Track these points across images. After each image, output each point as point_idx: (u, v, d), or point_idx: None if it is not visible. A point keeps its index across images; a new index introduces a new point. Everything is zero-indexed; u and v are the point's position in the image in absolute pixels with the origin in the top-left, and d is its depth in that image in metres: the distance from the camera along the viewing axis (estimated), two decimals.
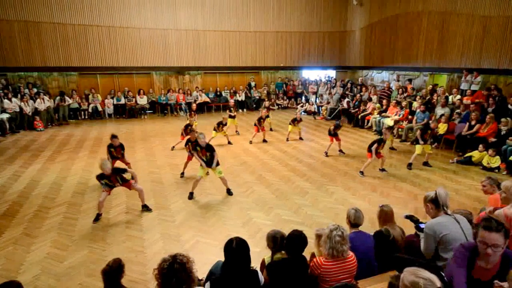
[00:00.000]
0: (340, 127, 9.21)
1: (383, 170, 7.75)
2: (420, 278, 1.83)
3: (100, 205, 5.47)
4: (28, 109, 12.34)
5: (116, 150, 7.00)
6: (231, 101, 11.17)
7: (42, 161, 8.65)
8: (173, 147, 9.76)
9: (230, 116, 11.00)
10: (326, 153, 9.17)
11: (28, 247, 4.67)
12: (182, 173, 7.56)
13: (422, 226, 3.30)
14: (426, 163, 8.17)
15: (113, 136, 6.94)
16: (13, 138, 11.23)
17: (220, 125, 10.12)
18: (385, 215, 3.51)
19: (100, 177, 5.36)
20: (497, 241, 2.17)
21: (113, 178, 5.43)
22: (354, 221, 3.27)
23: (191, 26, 16.01)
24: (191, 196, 6.31)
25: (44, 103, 12.82)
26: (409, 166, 8.03)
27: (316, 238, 3.20)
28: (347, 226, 3.37)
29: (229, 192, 6.47)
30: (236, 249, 2.51)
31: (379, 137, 7.87)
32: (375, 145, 7.42)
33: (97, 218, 5.46)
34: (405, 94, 12.48)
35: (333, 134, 9.02)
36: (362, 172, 7.59)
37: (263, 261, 3.15)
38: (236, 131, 11.52)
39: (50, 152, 9.48)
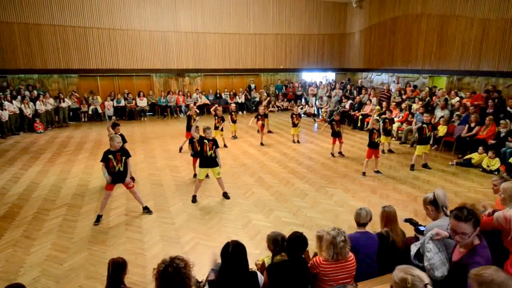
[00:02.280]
0: (334, 121, 9.09)
1: (377, 172, 7.78)
2: (408, 275, 1.88)
3: (102, 204, 5.49)
4: (28, 111, 12.36)
5: None
6: (219, 108, 10.35)
7: (42, 163, 8.65)
8: (181, 147, 9.67)
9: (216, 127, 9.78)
10: (332, 154, 9.24)
11: (28, 249, 4.67)
12: (195, 174, 7.49)
13: (422, 228, 3.31)
14: (425, 165, 8.18)
15: (115, 124, 6.99)
16: (13, 140, 11.23)
17: (218, 118, 9.85)
18: (387, 216, 3.51)
19: (105, 153, 5.34)
20: (465, 230, 2.33)
21: (118, 156, 5.37)
22: (356, 219, 3.39)
23: (191, 28, 16.06)
24: (194, 199, 6.28)
25: (45, 105, 12.84)
26: (412, 167, 8.06)
27: (317, 239, 3.20)
28: (351, 230, 3.39)
29: (225, 196, 6.42)
30: (233, 253, 2.51)
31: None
32: (370, 139, 7.56)
33: (98, 219, 5.45)
34: (404, 96, 12.50)
35: (336, 133, 9.04)
36: (364, 173, 7.64)
37: (263, 263, 3.15)
38: (224, 144, 10.24)
39: (50, 154, 9.48)
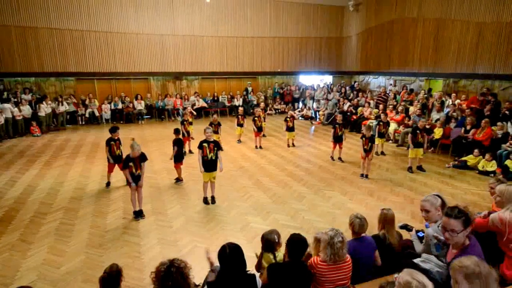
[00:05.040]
0: (337, 123, 8.88)
1: (364, 175, 7.75)
2: (414, 280, 1.91)
3: (133, 202, 5.72)
4: (21, 115, 12.24)
5: (116, 144, 7.02)
6: (215, 117, 10.19)
7: (38, 167, 8.61)
8: (190, 150, 9.71)
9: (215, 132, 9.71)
10: (332, 157, 9.15)
11: (25, 253, 4.64)
12: (177, 179, 7.48)
13: (421, 235, 3.30)
14: (420, 168, 8.19)
15: (115, 128, 7.03)
16: (9, 144, 11.18)
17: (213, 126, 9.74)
18: (385, 219, 3.52)
19: (126, 160, 5.57)
20: (454, 227, 2.47)
21: (137, 162, 5.62)
22: (359, 230, 3.27)
23: (188, 32, 16.10)
24: (206, 200, 6.31)
25: (47, 108, 12.86)
26: (410, 169, 8.11)
27: (314, 241, 3.21)
28: (349, 233, 3.38)
29: (212, 200, 6.34)
30: (230, 255, 2.52)
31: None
32: (360, 141, 7.63)
33: (137, 215, 5.71)
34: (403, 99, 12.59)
35: (338, 138, 8.86)
36: (365, 175, 7.68)
37: (259, 259, 3.20)
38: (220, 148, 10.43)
39: (47, 158, 9.44)
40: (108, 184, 7.20)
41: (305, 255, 3.34)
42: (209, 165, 6.09)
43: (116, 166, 7.13)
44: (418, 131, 7.96)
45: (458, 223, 2.46)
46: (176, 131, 7.80)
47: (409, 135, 8.17)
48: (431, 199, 3.22)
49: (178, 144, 7.40)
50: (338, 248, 2.74)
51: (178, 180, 7.41)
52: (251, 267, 2.75)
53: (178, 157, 7.37)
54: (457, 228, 2.46)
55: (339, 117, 9.13)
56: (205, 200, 6.31)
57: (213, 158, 6.06)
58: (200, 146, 6.04)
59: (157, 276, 2.27)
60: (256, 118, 10.46)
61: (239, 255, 2.55)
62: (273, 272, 2.77)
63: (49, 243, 4.91)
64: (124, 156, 7.02)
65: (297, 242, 2.86)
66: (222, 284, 2.52)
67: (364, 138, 7.59)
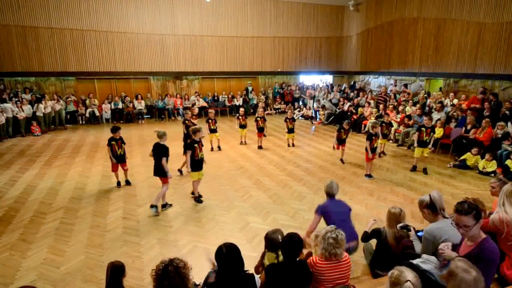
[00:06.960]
0: (343, 128, 8.82)
1: (369, 175, 7.74)
2: (397, 271, 2.02)
3: (160, 196, 5.91)
4: (23, 114, 12.28)
5: (117, 144, 7.03)
6: (211, 111, 10.28)
7: (38, 166, 8.61)
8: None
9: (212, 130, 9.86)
10: (342, 160, 8.97)
11: (24, 253, 4.65)
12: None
13: (421, 235, 3.30)
14: (424, 170, 8.13)
15: (116, 128, 7.05)
16: (10, 143, 11.19)
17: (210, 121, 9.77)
18: (388, 217, 3.56)
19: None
20: (466, 223, 2.49)
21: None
22: (327, 190, 4.06)
23: (188, 31, 16.10)
24: (198, 199, 6.35)
25: (48, 108, 12.89)
26: (414, 168, 8.10)
27: (314, 238, 3.24)
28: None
29: (197, 199, 6.37)
30: (227, 255, 2.52)
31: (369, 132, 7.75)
32: (368, 142, 7.51)
33: (164, 206, 6.01)
34: (402, 98, 12.57)
35: (341, 140, 8.81)
36: (369, 175, 7.66)
37: (260, 258, 3.19)
38: (218, 146, 10.29)
39: (47, 157, 9.44)
40: (118, 183, 7.21)
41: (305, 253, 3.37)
42: (199, 164, 6.19)
43: (120, 165, 7.20)
44: (422, 129, 7.92)
45: (469, 219, 2.48)
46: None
47: (416, 132, 8.14)
48: (421, 198, 3.24)
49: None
50: (329, 244, 2.77)
51: (181, 172, 7.86)
52: (250, 267, 2.74)
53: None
54: (469, 223, 2.49)
55: (346, 124, 8.86)
56: (198, 198, 6.37)
57: (202, 157, 6.20)
58: (192, 147, 6.06)
59: (155, 274, 2.29)
60: (258, 119, 10.45)
61: (237, 255, 2.54)
62: (271, 272, 2.77)
63: (49, 243, 4.92)
64: (126, 155, 7.18)
65: (291, 242, 2.85)
66: (221, 285, 2.52)
67: (374, 137, 7.51)
